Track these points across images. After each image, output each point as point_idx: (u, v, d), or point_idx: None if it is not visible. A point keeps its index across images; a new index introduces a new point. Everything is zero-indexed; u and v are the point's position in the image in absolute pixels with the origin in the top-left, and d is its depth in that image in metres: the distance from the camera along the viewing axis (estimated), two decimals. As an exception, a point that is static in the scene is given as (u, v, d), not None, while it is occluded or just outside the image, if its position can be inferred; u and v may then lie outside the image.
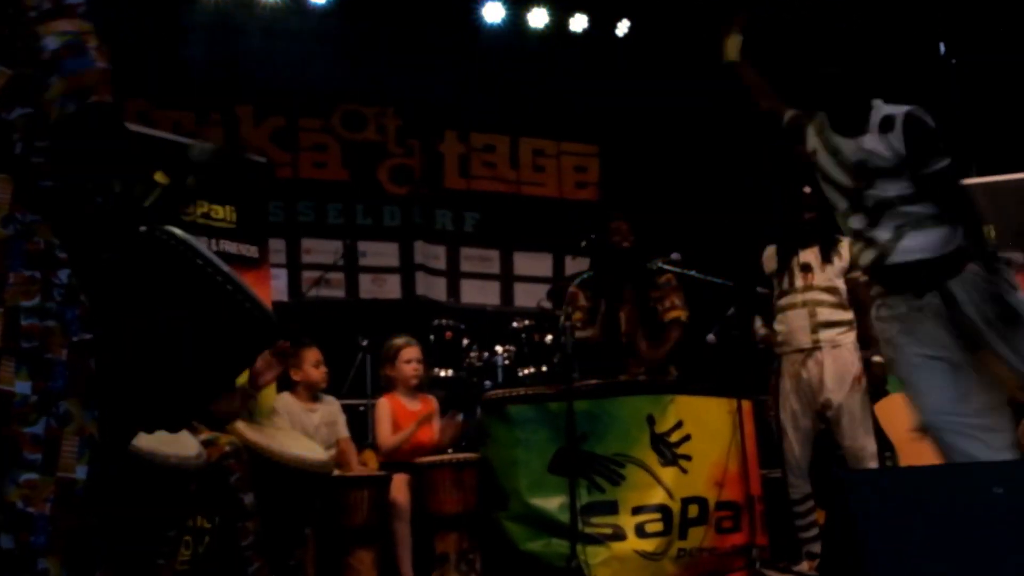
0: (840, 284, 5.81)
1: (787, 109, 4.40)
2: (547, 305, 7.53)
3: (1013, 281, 3.83)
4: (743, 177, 8.81)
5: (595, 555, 5.25)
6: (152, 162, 3.01)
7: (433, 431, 6.06)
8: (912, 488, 3.14)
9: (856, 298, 5.74)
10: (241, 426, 4.81)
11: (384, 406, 6.01)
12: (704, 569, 5.53)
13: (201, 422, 4.54)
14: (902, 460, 5.88)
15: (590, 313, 6.38)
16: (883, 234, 3.93)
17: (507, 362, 6.75)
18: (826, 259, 5.83)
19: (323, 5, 9.20)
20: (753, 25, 4.61)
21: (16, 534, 2.28)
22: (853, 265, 5.56)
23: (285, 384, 5.81)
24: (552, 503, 5.35)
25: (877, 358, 5.57)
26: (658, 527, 5.40)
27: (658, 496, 5.46)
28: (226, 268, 2.74)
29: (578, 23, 9.83)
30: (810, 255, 5.86)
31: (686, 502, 5.48)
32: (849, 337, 5.77)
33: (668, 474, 5.50)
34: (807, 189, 5.74)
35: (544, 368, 6.55)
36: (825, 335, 5.74)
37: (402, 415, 6.00)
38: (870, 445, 5.67)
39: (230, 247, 6.57)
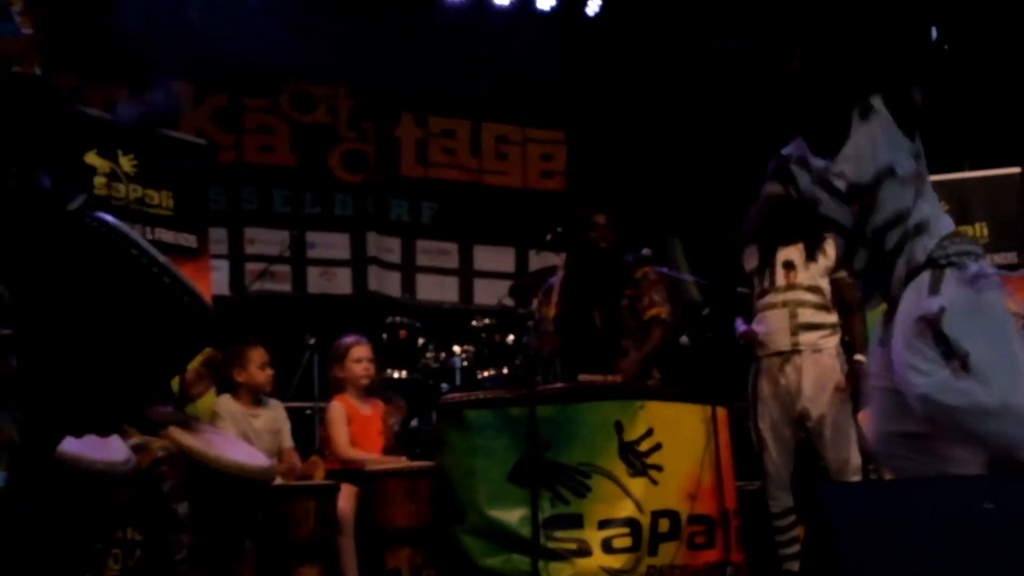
0: (824, 284, 5.83)
1: None
2: (509, 303, 7.53)
3: None
4: (721, 167, 8.84)
5: (558, 572, 5.25)
6: (83, 142, 2.98)
7: (383, 434, 6.06)
8: (896, 502, 3.16)
9: (842, 299, 5.76)
10: (175, 430, 4.78)
11: (338, 409, 5.98)
12: (675, 587, 5.55)
13: (132, 425, 4.51)
14: (888, 473, 5.92)
15: (559, 314, 6.38)
16: None
17: (465, 363, 6.75)
18: (810, 257, 5.84)
19: (271, -25, 9.16)
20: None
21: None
22: (839, 264, 5.60)
23: (226, 386, 5.78)
24: (513, 516, 5.35)
25: (859, 357, 5.60)
26: (626, 542, 5.41)
27: (626, 509, 5.47)
28: (162, 259, 2.73)
29: (546, 0, 9.83)
30: (793, 252, 5.87)
31: (656, 516, 5.50)
32: (831, 341, 5.79)
33: (637, 485, 5.51)
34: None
35: (505, 370, 6.56)
36: (805, 338, 5.75)
37: (355, 420, 5.98)
38: (854, 458, 5.69)
39: (167, 236, 6.53)
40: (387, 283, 9.57)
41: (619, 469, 5.50)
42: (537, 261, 9.26)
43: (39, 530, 3.40)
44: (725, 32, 8.95)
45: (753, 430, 5.90)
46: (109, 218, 2.70)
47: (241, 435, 5.44)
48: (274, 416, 5.79)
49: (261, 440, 5.59)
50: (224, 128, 9.17)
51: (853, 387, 5.66)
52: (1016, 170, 7.62)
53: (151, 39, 8.56)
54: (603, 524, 5.40)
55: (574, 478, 5.43)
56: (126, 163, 6.34)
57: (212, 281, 7.27)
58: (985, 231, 7.38)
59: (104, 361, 2.64)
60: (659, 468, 5.58)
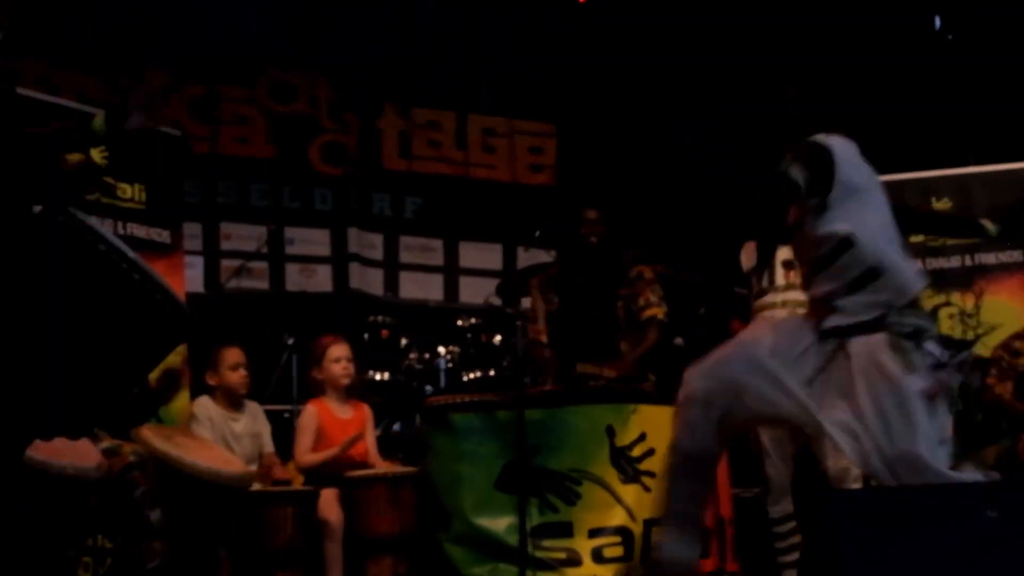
0: (825, 284, 5.84)
1: None
2: (496, 301, 7.53)
3: None
4: (719, 163, 8.86)
5: (547, 582, 5.26)
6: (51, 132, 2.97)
7: (364, 443, 6.05)
8: (897, 510, 3.18)
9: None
10: (148, 433, 4.78)
11: (310, 415, 5.96)
12: (668, 599, 5.56)
13: (103, 428, 4.51)
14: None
15: (551, 313, 6.39)
16: None
17: (451, 365, 6.75)
18: (811, 255, 5.85)
19: (249, -41, 9.14)
20: None
21: None
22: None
23: (202, 387, 5.78)
24: (499, 524, 5.35)
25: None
26: (618, 552, 5.42)
27: (618, 517, 5.48)
28: (132, 255, 2.73)
29: (537, -16, 9.83)
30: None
31: (649, 524, 5.49)
32: (832, 344, 5.80)
33: (630, 492, 5.52)
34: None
35: (492, 372, 6.56)
36: (805, 340, 5.76)
37: (331, 425, 5.97)
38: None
39: (139, 231, 6.53)
40: (369, 281, 9.56)
41: (611, 475, 5.51)
42: (525, 258, 9.29)
43: (9, 537, 3.40)
44: (725, 13, 8.97)
45: (752, 435, 5.90)
46: (79, 213, 2.69)
47: (219, 439, 5.44)
48: (254, 420, 5.79)
49: (240, 444, 5.59)
50: (199, 118, 9.15)
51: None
52: (1022, 165, 7.65)
53: (126, 26, 8.58)
54: (594, 533, 5.41)
55: (564, 485, 5.44)
56: (96, 155, 6.34)
57: (186, 278, 7.28)
58: (991, 227, 7.39)
59: (72, 361, 2.64)
60: (652, 474, 5.58)
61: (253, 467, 5.56)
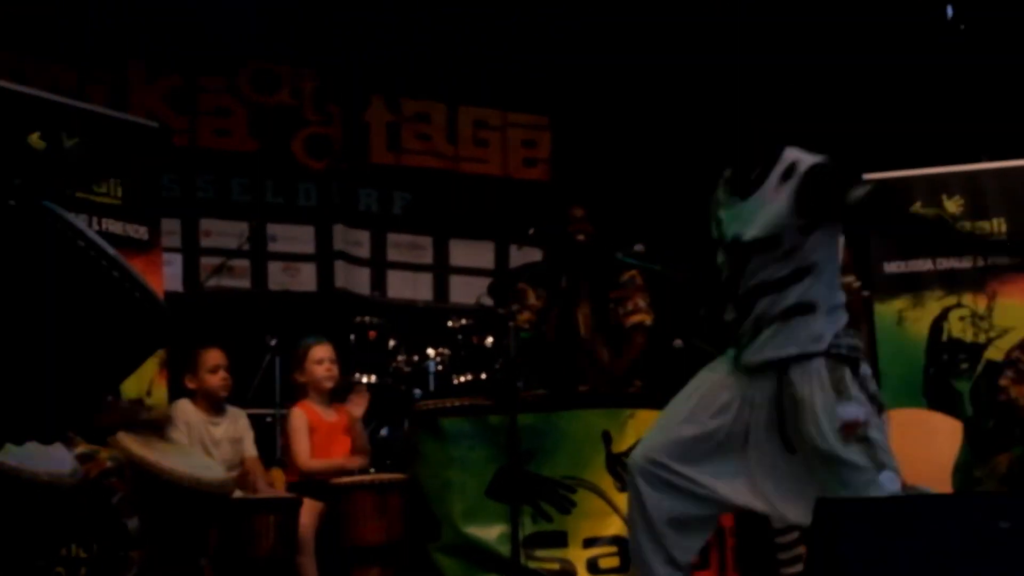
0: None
1: None
2: (487, 302, 7.54)
3: None
4: (719, 157, 8.86)
5: (540, 594, 5.28)
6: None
7: (348, 443, 6.07)
8: (905, 519, 3.19)
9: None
10: (125, 438, 4.78)
11: (299, 417, 5.98)
12: (666, 611, 5.57)
13: (78, 433, 4.51)
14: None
15: (540, 314, 6.40)
16: None
17: (440, 367, 6.76)
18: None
19: (230, -56, 9.14)
20: None
21: None
22: (845, 268, 5.62)
23: (181, 390, 5.79)
24: (491, 533, 5.37)
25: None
26: (613, 562, 5.43)
27: (614, 526, 5.49)
28: (111, 251, 2.73)
29: (530, -28, 9.84)
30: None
31: (646, 533, 5.52)
32: (834, 347, 5.81)
33: (626, 501, 5.53)
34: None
35: (483, 375, 6.57)
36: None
37: (319, 428, 5.98)
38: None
39: (115, 227, 6.52)
40: (355, 279, 9.57)
41: (606, 483, 5.53)
42: (518, 257, 9.31)
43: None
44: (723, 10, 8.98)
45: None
46: (54, 207, 2.70)
47: (199, 444, 5.45)
48: (235, 424, 5.79)
49: (221, 450, 5.59)
50: (177, 110, 9.15)
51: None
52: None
53: (101, 15, 8.58)
54: (589, 542, 5.43)
55: (558, 492, 5.46)
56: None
57: (164, 276, 7.27)
58: (1003, 227, 7.40)
59: (47, 362, 2.64)
60: (650, 482, 5.60)
61: (234, 473, 5.56)
